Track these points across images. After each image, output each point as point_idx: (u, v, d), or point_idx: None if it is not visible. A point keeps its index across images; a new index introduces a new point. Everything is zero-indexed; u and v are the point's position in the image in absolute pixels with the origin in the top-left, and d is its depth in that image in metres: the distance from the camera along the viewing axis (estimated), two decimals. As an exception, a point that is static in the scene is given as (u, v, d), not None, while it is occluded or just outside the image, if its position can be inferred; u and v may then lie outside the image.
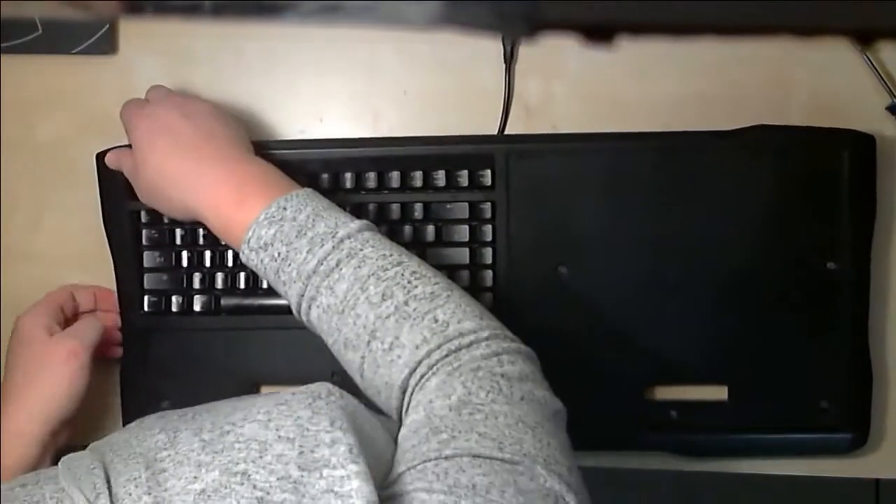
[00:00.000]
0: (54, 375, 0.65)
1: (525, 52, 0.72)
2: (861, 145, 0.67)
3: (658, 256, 0.68)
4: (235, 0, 0.25)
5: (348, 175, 0.69)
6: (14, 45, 0.74)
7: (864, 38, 0.25)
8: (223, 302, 0.71)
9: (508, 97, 0.72)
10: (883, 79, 0.70)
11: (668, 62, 0.71)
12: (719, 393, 0.68)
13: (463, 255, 0.69)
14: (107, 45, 0.74)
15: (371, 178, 0.69)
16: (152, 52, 0.75)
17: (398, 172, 0.69)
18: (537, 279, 0.68)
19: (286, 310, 0.70)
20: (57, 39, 0.74)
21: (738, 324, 0.68)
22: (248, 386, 0.70)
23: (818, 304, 0.67)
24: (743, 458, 0.71)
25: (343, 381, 0.68)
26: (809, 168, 0.67)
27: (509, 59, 0.72)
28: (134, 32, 0.75)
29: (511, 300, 0.68)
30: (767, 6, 0.24)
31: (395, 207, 0.69)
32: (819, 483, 0.67)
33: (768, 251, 0.67)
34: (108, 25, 0.74)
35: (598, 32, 0.24)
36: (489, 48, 0.72)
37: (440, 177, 0.69)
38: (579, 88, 0.72)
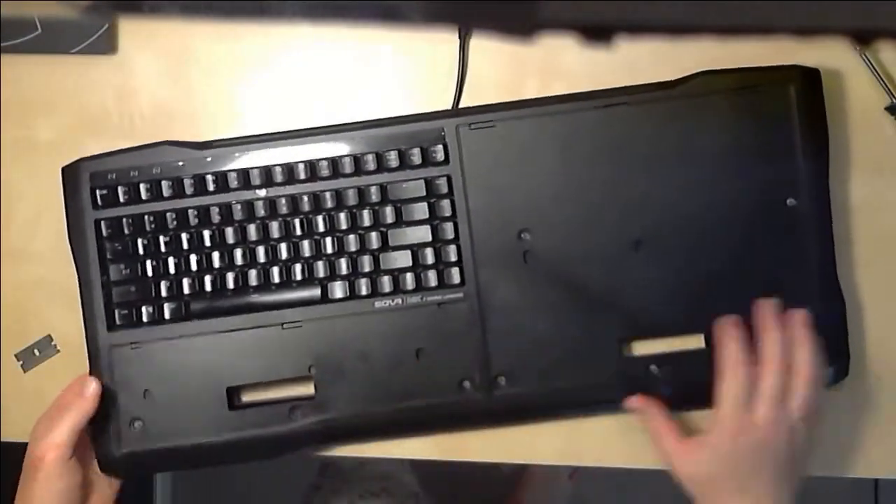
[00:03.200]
0: (27, 487, 0.67)
1: (524, 52, 0.72)
2: (807, 79, 0.68)
3: (620, 212, 0.68)
4: (235, 0, 0.25)
5: (301, 166, 0.69)
6: (13, 44, 0.74)
7: (864, 38, 0.25)
8: (193, 307, 0.70)
9: (462, 72, 0.73)
10: (882, 79, 0.70)
11: (667, 62, 0.71)
12: (697, 342, 0.68)
13: (425, 232, 0.69)
14: (106, 44, 0.74)
15: (325, 167, 0.69)
16: (152, 51, 0.75)
17: (350, 158, 0.69)
18: (502, 248, 0.68)
19: (256, 307, 0.71)
20: (56, 39, 0.74)
21: (706, 270, 0.68)
22: (223, 390, 0.70)
23: (783, 242, 0.67)
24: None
25: (319, 373, 0.69)
26: (758, 108, 0.67)
27: (463, 34, 0.72)
28: (133, 32, 0.75)
29: (478, 272, 0.69)
30: (767, 6, 0.24)
31: (352, 192, 0.69)
32: (818, 483, 0.67)
33: (728, 195, 0.68)
34: (107, 25, 0.74)
35: (597, 32, 0.24)
36: (489, 47, 0.72)
37: (393, 157, 0.69)
38: (578, 89, 0.72)
